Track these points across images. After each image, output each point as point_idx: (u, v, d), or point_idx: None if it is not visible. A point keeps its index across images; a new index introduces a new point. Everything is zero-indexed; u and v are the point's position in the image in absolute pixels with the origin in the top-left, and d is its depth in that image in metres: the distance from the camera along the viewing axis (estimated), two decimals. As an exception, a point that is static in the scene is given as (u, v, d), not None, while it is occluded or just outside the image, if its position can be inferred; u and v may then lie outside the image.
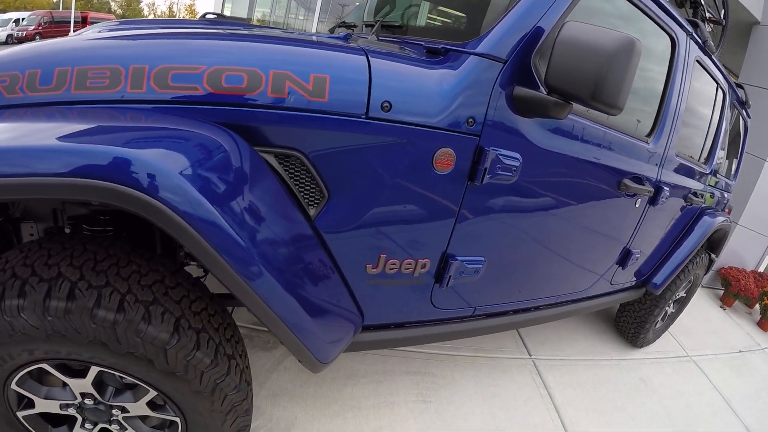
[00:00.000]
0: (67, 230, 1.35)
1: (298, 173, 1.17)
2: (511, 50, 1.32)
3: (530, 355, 2.80)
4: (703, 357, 3.54)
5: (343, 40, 1.53)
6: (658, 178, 2.19)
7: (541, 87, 1.35)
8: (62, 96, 1.01)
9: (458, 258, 1.51)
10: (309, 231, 1.20)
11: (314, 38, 1.51)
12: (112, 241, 1.17)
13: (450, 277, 1.52)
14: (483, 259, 1.59)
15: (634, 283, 2.77)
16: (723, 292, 5.11)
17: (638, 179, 2.02)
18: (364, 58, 1.17)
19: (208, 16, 3.16)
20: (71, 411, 1.21)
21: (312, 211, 1.21)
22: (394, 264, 1.40)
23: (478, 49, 1.30)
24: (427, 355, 2.49)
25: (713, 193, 3.04)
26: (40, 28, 22.25)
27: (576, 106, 1.36)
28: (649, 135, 2.07)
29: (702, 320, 4.35)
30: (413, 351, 2.49)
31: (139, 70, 1.02)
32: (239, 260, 1.00)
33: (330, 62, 1.14)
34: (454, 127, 1.25)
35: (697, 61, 2.29)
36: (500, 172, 1.37)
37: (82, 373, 1.13)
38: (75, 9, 24.54)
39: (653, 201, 2.25)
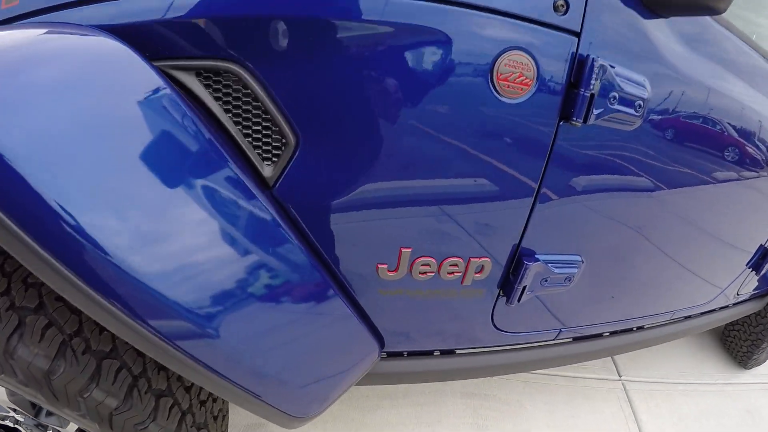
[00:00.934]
0: None
1: (238, 102, 0.56)
2: None
3: (620, 376, 1.99)
4: (814, 384, 2.52)
5: None
6: None
7: None
8: None
9: (539, 257, 0.80)
10: (265, 206, 0.58)
11: None
12: None
13: (524, 287, 0.81)
14: (580, 259, 0.86)
15: (757, 292, 1.87)
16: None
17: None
18: None
19: None
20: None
21: (269, 171, 0.60)
22: (427, 265, 0.72)
23: None
24: (488, 373, 1.78)
25: None
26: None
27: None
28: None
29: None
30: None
31: None
32: (112, 278, 0.44)
33: None
34: (531, 12, 0.58)
35: None
36: (617, 107, 0.67)
37: None
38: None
39: None
